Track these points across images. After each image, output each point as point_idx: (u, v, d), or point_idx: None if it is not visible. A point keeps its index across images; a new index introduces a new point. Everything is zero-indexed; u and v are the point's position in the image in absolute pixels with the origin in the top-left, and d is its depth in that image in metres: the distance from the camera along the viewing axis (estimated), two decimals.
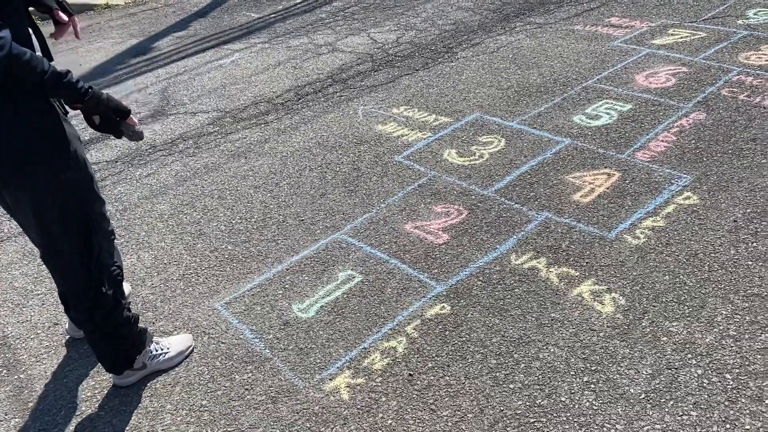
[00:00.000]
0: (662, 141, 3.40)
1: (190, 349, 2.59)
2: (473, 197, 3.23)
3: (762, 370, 2.10)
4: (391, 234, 3.06)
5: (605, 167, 3.29)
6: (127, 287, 2.92)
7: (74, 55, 6.45)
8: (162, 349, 2.51)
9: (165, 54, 6.22)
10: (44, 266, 2.37)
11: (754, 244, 2.63)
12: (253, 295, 2.84)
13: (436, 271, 2.78)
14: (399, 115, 4.21)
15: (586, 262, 2.69)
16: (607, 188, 3.12)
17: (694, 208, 2.89)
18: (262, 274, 2.95)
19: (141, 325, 2.47)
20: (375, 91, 4.61)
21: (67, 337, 2.77)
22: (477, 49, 5.02)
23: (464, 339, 2.41)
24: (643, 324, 2.35)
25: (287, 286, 2.85)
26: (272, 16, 6.83)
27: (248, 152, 4.08)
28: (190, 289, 2.95)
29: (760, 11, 4.68)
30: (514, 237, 2.91)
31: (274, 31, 6.34)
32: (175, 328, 2.73)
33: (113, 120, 2.07)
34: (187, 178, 3.90)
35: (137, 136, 2.14)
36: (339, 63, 5.25)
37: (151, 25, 7.23)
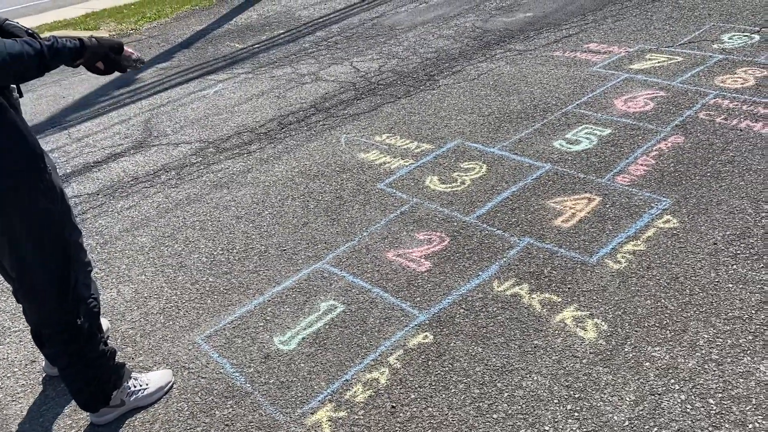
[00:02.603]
0: (641, 165, 3.43)
1: (170, 384, 2.54)
2: (455, 224, 3.23)
3: (745, 394, 2.09)
4: (374, 262, 3.05)
5: (586, 192, 3.30)
6: (105, 323, 2.88)
7: (57, 87, 6.44)
8: (141, 385, 2.46)
9: (148, 85, 6.23)
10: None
11: (734, 266, 2.64)
12: (234, 327, 2.80)
13: (418, 299, 2.76)
14: (381, 142, 4.22)
15: (569, 288, 2.68)
16: (588, 213, 3.14)
17: (674, 232, 2.90)
18: (243, 306, 2.92)
19: (119, 360, 2.42)
20: (357, 120, 4.63)
21: (44, 375, 2.72)
22: (458, 76, 5.07)
23: (447, 369, 2.39)
24: (626, 349, 2.34)
25: (268, 317, 2.81)
26: (256, 46, 6.88)
27: (231, 182, 4.06)
28: (171, 322, 2.91)
29: (734, 35, 4.77)
30: (497, 263, 2.90)
31: (258, 61, 6.38)
32: (155, 363, 2.68)
33: (114, 58, 2.17)
34: (169, 210, 3.88)
35: (139, 62, 2.26)
36: (322, 92, 5.28)
37: None
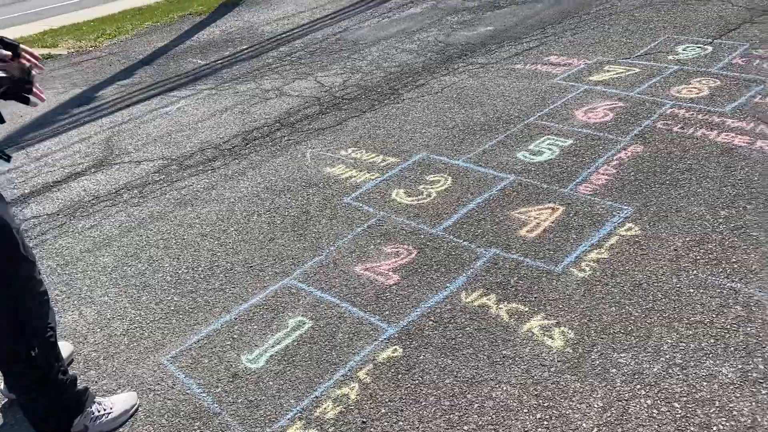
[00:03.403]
0: (603, 174, 3.50)
1: (135, 407, 2.48)
2: (422, 236, 3.24)
3: (708, 397, 2.13)
4: (342, 277, 3.03)
5: (549, 202, 3.35)
6: (68, 347, 2.80)
7: (15, 106, 6.28)
8: (104, 410, 2.40)
9: (109, 103, 6.13)
10: None
11: (695, 271, 2.70)
12: (200, 347, 2.75)
13: (387, 312, 2.76)
14: (347, 157, 4.22)
15: (535, 297, 2.71)
16: (552, 222, 3.18)
17: (636, 239, 2.96)
18: (210, 325, 2.87)
19: (81, 385, 2.36)
20: (323, 134, 4.62)
21: (4, 400, 2.63)
22: (422, 90, 5.11)
23: (417, 382, 2.38)
24: (593, 357, 2.37)
25: (236, 336, 2.77)
26: (219, 62, 6.83)
27: (195, 200, 4.01)
28: (135, 343, 2.85)
29: (688, 47, 4.92)
30: (464, 275, 2.91)
31: (221, 77, 6.34)
32: (119, 386, 2.62)
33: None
34: (132, 229, 3.81)
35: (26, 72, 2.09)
36: (286, 107, 5.26)
37: (94, 74, 7.14)
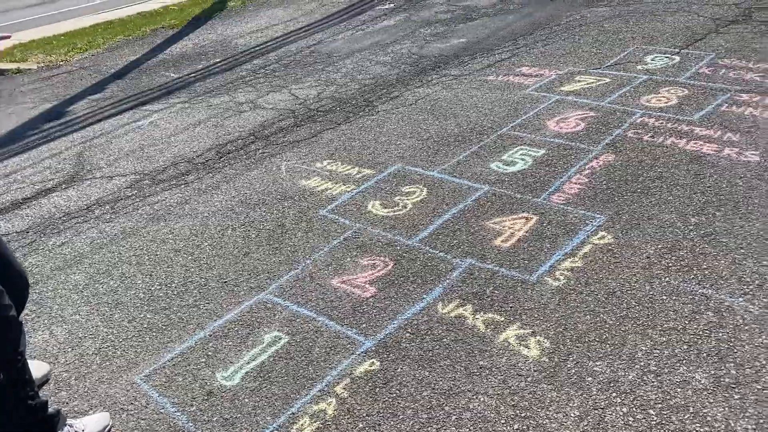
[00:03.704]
0: (575, 183, 3.54)
1: (108, 428, 2.43)
2: (398, 248, 3.24)
3: (683, 403, 2.15)
4: (318, 290, 3.01)
5: (523, 211, 3.37)
6: (45, 366, 2.76)
7: None
8: (77, 431, 2.34)
9: (80, 117, 6.05)
10: None
11: (667, 279, 2.74)
12: (174, 365, 2.71)
13: (364, 325, 2.74)
14: (322, 169, 4.21)
15: (510, 307, 2.72)
16: (526, 232, 3.20)
17: (609, 247, 2.99)
18: (184, 342, 2.83)
19: (52, 408, 2.30)
20: (298, 147, 4.61)
21: None
22: (396, 101, 5.13)
23: (395, 395, 2.37)
24: (569, 365, 2.38)
25: (210, 353, 2.74)
26: (192, 75, 6.79)
27: (168, 215, 3.96)
28: (107, 363, 2.79)
29: (656, 57, 5.01)
30: (440, 286, 2.92)
31: (194, 90, 6.29)
32: (91, 406, 2.56)
33: None
34: (104, 245, 3.75)
35: None
36: (261, 120, 5.24)
37: (65, 89, 7.05)
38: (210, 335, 2.84)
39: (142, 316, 3.07)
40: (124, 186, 4.46)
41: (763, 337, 2.37)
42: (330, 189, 3.94)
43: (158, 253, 3.57)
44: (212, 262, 3.39)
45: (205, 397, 2.50)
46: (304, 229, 3.55)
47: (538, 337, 2.53)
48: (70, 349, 2.92)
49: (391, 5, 8.26)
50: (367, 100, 5.28)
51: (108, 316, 3.11)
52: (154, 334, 2.93)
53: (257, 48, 7.39)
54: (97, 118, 5.95)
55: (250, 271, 3.25)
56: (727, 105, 4.09)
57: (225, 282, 3.20)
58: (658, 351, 2.38)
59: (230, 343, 2.77)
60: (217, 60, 7.18)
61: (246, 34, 8.04)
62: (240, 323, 2.89)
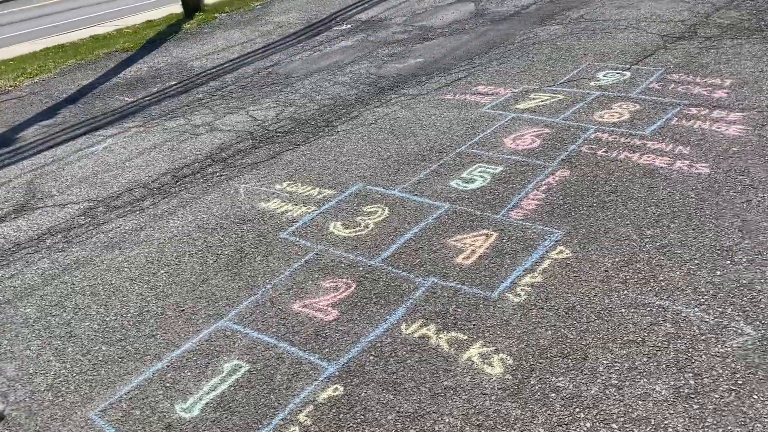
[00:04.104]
0: (533, 199, 3.58)
1: None
2: (361, 269, 3.21)
3: (644, 415, 2.17)
4: (279, 316, 2.96)
5: (483, 228, 3.39)
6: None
7: None
8: None
9: (30, 144, 5.88)
10: None
11: (625, 291, 2.77)
12: (131, 398, 2.62)
13: (327, 350, 2.70)
14: (282, 191, 4.17)
15: (473, 325, 2.71)
16: (487, 249, 3.21)
17: (568, 262, 3.02)
18: (141, 374, 2.74)
19: None
20: (256, 169, 4.56)
21: None
22: (356, 121, 5.13)
23: (359, 420, 2.33)
24: (532, 382, 2.38)
25: (168, 384, 2.65)
26: (147, 98, 6.68)
27: (123, 242, 3.86)
28: (60, 399, 2.69)
29: (608, 73, 5.14)
30: (403, 306, 2.90)
31: (149, 113, 6.19)
32: None
33: None
34: (56, 276, 3.62)
35: None
36: (218, 142, 5.18)
37: (15, 115, 6.85)
38: (168, 366, 2.76)
39: (96, 348, 2.97)
40: (77, 214, 4.34)
41: (719, 346, 2.41)
42: (290, 211, 3.90)
43: (113, 282, 3.47)
44: (169, 289, 3.31)
45: (164, 431, 2.42)
46: (263, 252, 3.50)
47: (501, 355, 2.53)
48: (20, 387, 2.80)
49: (348, 26, 8.30)
50: (327, 121, 5.26)
51: (60, 349, 3.00)
52: (109, 366, 2.83)
53: (214, 70, 7.32)
54: (48, 144, 5.80)
55: (208, 298, 3.18)
56: (677, 119, 4.21)
57: (182, 310, 3.12)
58: (618, 364, 2.41)
59: (189, 374, 2.69)
60: (173, 83, 7.08)
61: (202, 56, 7.96)
62: (199, 352, 2.81)
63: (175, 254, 3.64)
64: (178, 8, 10.67)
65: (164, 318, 3.09)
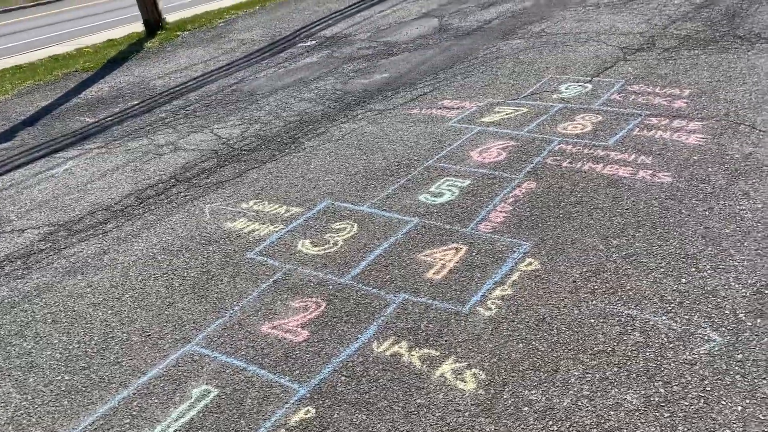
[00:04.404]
0: (501, 212, 3.59)
1: None
2: (330, 287, 3.18)
3: (616, 426, 2.17)
4: (248, 338, 2.91)
5: (453, 242, 3.39)
6: None
7: None
8: None
9: None
10: None
11: (594, 301, 2.79)
12: (96, 429, 2.53)
13: (297, 372, 2.66)
14: (249, 209, 4.12)
15: (445, 340, 2.70)
16: (457, 263, 3.21)
17: (537, 273, 3.04)
18: (106, 403, 2.66)
19: None
20: (222, 188, 4.50)
21: None
22: (323, 137, 5.11)
23: None
24: (505, 397, 2.37)
25: (135, 412, 2.58)
26: (108, 119, 6.56)
27: (85, 267, 3.76)
28: None
29: (570, 86, 5.22)
30: (375, 323, 2.87)
31: (111, 134, 6.08)
32: None
33: None
34: (15, 304, 3.51)
35: None
36: (182, 162, 5.10)
37: None
38: (134, 393, 2.68)
39: (59, 378, 2.87)
40: (38, 239, 4.22)
41: (687, 353, 2.44)
42: (257, 230, 3.85)
43: (76, 308, 3.37)
44: (134, 314, 3.23)
45: None
46: (230, 274, 3.44)
47: (473, 370, 2.52)
48: None
49: (313, 42, 8.30)
50: (293, 137, 5.23)
51: (21, 380, 2.89)
52: (73, 396, 2.74)
53: (177, 88, 7.24)
54: (6, 168, 5.64)
55: (174, 323, 3.11)
56: (638, 129, 4.28)
57: (148, 335, 3.04)
58: (590, 375, 2.41)
59: (156, 401, 2.62)
60: (135, 102, 6.98)
61: (165, 75, 7.87)
62: (166, 378, 2.74)
63: (139, 278, 3.55)
64: (139, 27, 10.56)
65: (130, 344, 3.01)
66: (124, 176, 5.00)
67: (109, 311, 3.29)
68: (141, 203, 4.49)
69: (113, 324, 3.18)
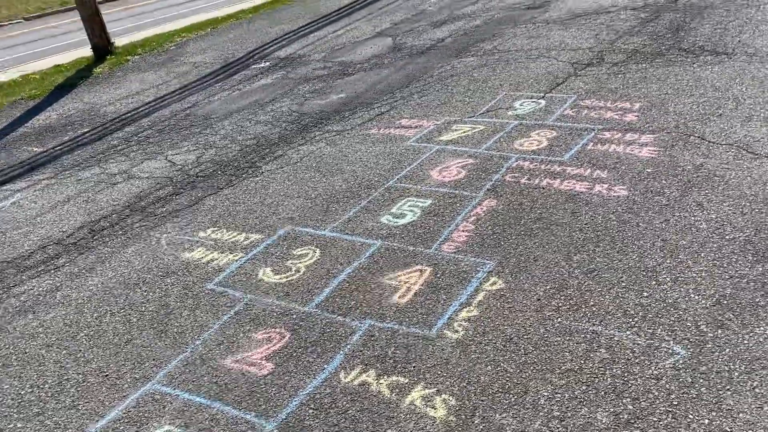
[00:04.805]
0: (463, 231, 3.60)
1: None
2: (294, 316, 3.12)
3: None
4: (211, 374, 2.82)
5: (417, 264, 3.37)
6: None
7: None
8: None
9: None
10: None
11: (559, 319, 2.80)
12: None
13: (263, 407, 2.59)
14: (207, 238, 4.03)
15: (414, 366, 2.67)
16: (422, 285, 3.19)
17: (502, 293, 3.04)
18: None
19: None
20: (178, 217, 4.39)
21: None
22: (280, 161, 5.05)
23: None
24: (476, 422, 2.35)
25: None
26: (58, 148, 6.36)
27: (36, 305, 3.61)
28: None
29: (524, 102, 5.30)
30: (341, 352, 2.82)
31: (61, 164, 5.89)
32: None
33: None
34: None
35: None
36: (136, 190, 4.97)
37: None
38: None
39: (11, 426, 2.73)
40: None
41: (653, 368, 2.46)
42: (216, 259, 3.76)
43: (27, 350, 3.22)
44: (90, 354, 3.10)
45: None
46: (190, 306, 3.34)
47: (443, 396, 2.49)
48: None
49: (267, 64, 8.25)
50: (250, 162, 5.16)
51: None
52: None
53: (128, 114, 7.08)
54: None
55: (133, 360, 3.00)
56: (592, 143, 4.36)
57: (106, 375, 2.92)
58: (559, 395, 2.41)
59: None
60: (85, 130, 6.79)
61: (116, 101, 7.69)
62: (126, 421, 2.63)
63: (95, 314, 3.42)
64: (87, 52, 10.31)
65: (86, 385, 2.88)
66: (76, 208, 4.84)
67: (64, 351, 3.16)
68: (94, 236, 4.35)
69: (68, 365, 3.05)
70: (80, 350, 3.15)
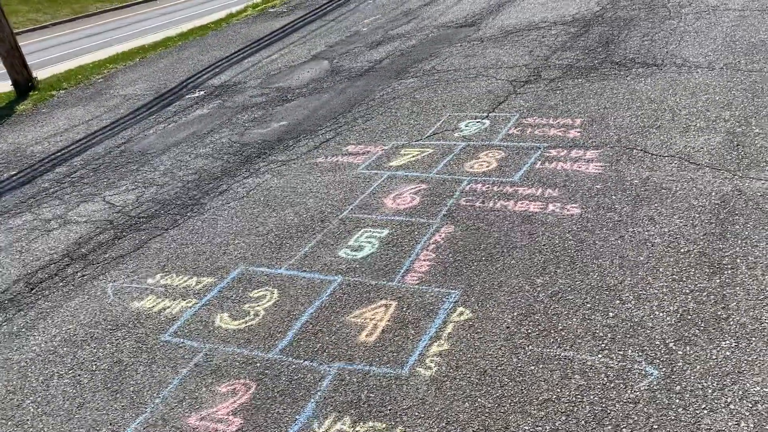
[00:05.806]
0: (424, 260, 3.55)
1: None
2: (258, 365, 2.99)
3: None
4: None
5: (381, 299, 3.30)
6: None
7: None
8: None
9: None
10: None
11: (530, 346, 2.79)
12: None
13: None
14: (156, 285, 3.83)
15: (390, 410, 2.59)
16: (389, 321, 3.12)
17: (470, 323, 3.00)
18: None
19: None
20: (123, 263, 4.18)
21: None
22: (226, 196, 4.90)
23: None
24: None
25: None
26: None
27: None
28: None
29: (469, 123, 5.33)
30: (312, 400, 2.71)
31: None
32: None
33: None
34: None
35: None
36: (75, 236, 4.70)
37: None
38: None
39: None
40: None
41: (629, 392, 2.47)
42: (169, 307, 3.58)
43: None
44: (39, 423, 2.87)
45: None
46: (145, 361, 3.16)
47: None
48: None
49: (202, 93, 8.04)
50: (194, 198, 4.98)
51: None
52: None
53: (59, 154, 6.74)
54: None
55: (88, 427, 2.79)
56: (540, 162, 4.41)
57: None
58: (540, 427, 2.38)
59: None
60: (12, 173, 6.41)
61: (43, 140, 7.32)
62: None
63: (41, 378, 3.18)
64: (7, 87, 9.81)
65: None
66: (9, 259, 4.53)
67: (9, 423, 2.92)
68: (32, 289, 4.07)
69: None
70: (27, 419, 2.91)
